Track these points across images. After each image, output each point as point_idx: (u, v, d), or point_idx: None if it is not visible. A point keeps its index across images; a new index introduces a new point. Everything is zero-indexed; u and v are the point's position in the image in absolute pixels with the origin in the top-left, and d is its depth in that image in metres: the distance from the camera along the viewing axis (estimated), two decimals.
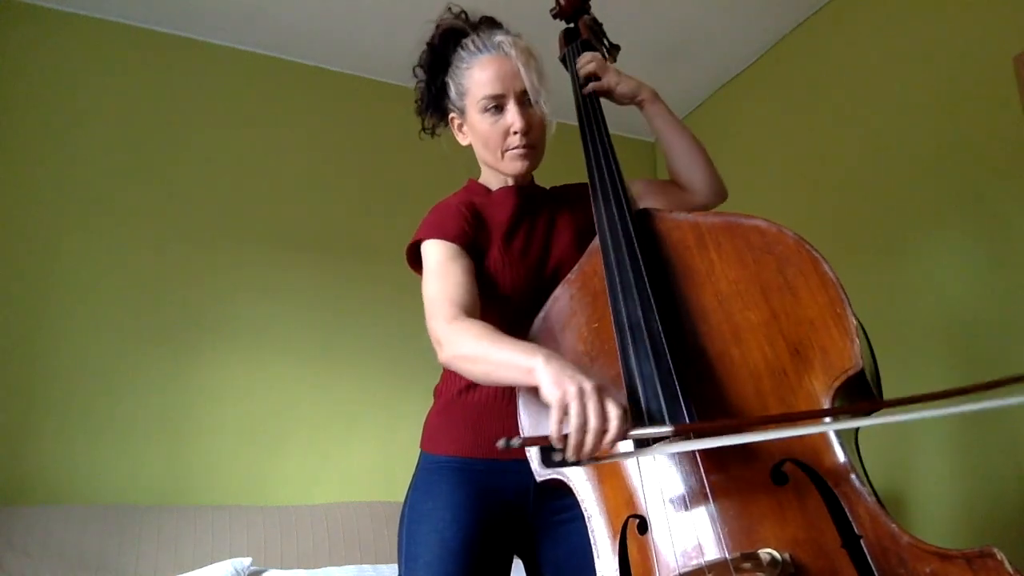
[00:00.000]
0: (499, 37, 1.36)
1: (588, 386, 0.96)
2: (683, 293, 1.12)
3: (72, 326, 2.54)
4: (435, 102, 1.44)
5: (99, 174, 2.72)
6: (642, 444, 1.00)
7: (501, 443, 0.91)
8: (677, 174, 1.49)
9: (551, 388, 0.97)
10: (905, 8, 2.60)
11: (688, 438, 0.97)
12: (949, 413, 0.87)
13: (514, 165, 1.37)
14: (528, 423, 1.20)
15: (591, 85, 1.46)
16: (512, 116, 1.33)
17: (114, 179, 2.73)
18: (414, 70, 1.46)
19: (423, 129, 1.48)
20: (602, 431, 0.94)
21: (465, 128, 1.42)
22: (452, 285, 1.24)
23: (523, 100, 1.34)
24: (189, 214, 2.81)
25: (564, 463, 0.95)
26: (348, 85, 3.25)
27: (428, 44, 1.43)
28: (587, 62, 1.47)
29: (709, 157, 1.48)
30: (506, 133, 1.35)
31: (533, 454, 1.16)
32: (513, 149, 1.36)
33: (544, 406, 0.99)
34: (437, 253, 1.29)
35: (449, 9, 1.44)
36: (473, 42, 1.37)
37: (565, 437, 0.94)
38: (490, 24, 1.43)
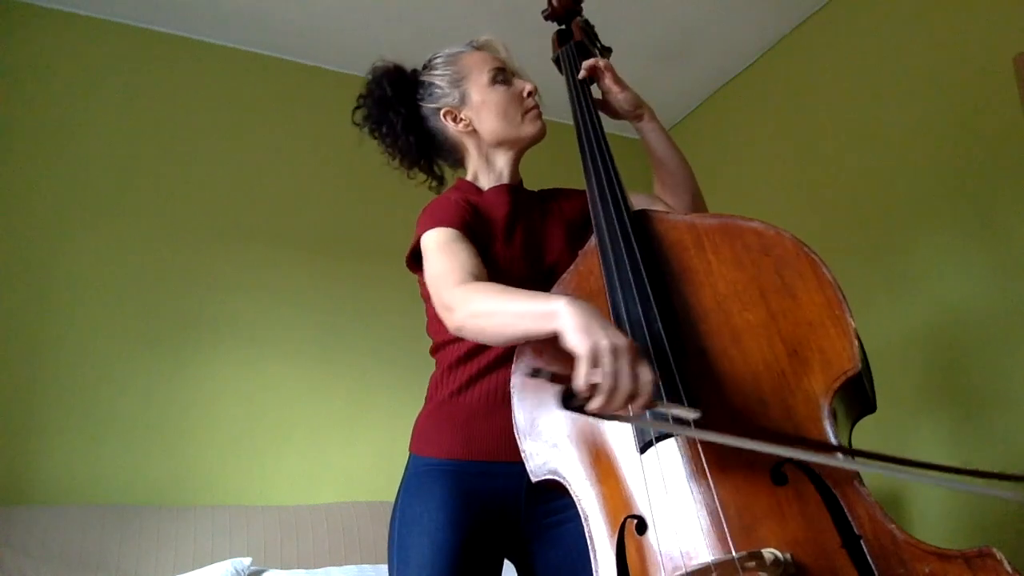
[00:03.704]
0: (464, 44, 1.46)
1: (622, 343, 0.91)
2: (681, 293, 1.12)
3: (72, 326, 2.54)
4: (412, 125, 1.45)
5: (99, 174, 2.71)
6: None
7: (530, 371, 0.91)
8: (666, 192, 1.47)
9: (578, 336, 0.91)
10: (905, 8, 2.60)
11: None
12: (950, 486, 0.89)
13: (534, 125, 1.41)
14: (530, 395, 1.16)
15: (587, 73, 1.44)
16: (521, 81, 1.42)
17: (114, 179, 2.73)
18: (363, 123, 1.51)
19: (420, 170, 1.54)
20: (632, 395, 0.90)
21: (466, 112, 1.41)
22: (458, 260, 1.21)
23: (518, 73, 1.45)
24: (189, 214, 2.81)
25: (583, 411, 0.92)
26: (348, 85, 3.23)
27: (376, 94, 1.47)
28: (595, 60, 1.47)
29: (696, 180, 1.48)
30: (521, 96, 1.40)
31: (531, 447, 1.14)
32: (532, 110, 1.41)
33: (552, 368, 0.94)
34: (438, 237, 1.25)
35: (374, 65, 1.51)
36: (440, 56, 1.45)
37: (592, 386, 0.90)
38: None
